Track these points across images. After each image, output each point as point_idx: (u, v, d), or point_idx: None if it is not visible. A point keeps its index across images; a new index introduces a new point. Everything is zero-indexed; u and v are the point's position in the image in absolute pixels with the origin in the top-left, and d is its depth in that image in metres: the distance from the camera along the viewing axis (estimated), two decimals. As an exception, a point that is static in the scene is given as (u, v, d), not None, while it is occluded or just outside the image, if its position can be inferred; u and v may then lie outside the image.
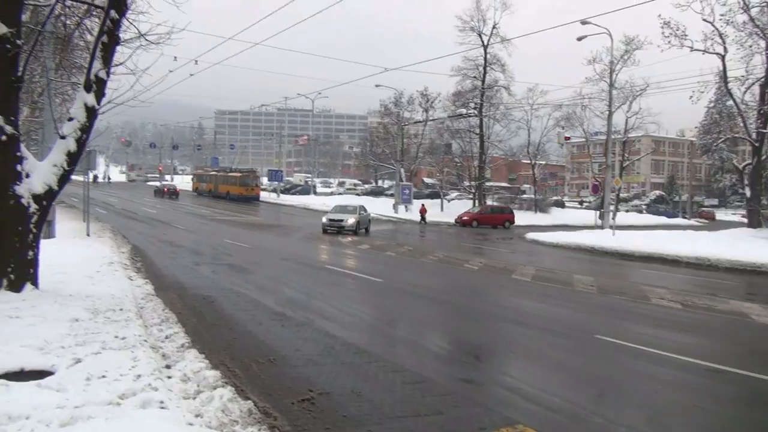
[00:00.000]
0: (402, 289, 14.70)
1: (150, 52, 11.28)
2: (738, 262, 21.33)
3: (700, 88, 34.01)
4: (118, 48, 10.06)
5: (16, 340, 6.37)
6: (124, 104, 11.59)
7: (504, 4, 50.21)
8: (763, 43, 31.53)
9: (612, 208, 37.94)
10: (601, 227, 35.26)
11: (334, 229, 29.60)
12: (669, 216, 63.71)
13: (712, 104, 59.04)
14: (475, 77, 52.47)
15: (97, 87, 9.47)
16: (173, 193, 62.00)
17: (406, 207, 50.64)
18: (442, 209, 51.32)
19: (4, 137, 8.34)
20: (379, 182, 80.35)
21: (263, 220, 39.16)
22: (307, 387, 6.55)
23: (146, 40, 10.57)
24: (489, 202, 51.76)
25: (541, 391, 6.89)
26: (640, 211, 69.01)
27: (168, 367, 6.45)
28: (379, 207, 50.96)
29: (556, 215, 53.35)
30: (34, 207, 8.86)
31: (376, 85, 51.57)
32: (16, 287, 8.52)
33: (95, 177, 29.36)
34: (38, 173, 9.06)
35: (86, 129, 9.51)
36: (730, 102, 37.51)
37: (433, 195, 59.24)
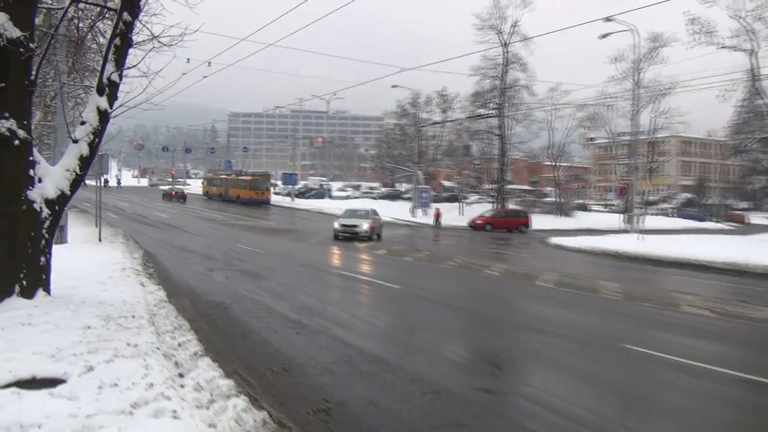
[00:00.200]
0: (420, 295, 14.67)
1: (163, 54, 11.41)
2: (772, 267, 20.97)
3: (729, 87, 33.59)
4: (131, 50, 10.18)
5: (28, 347, 6.46)
6: (137, 107, 11.69)
7: (524, 2, 49.98)
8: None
9: (639, 211, 37.52)
10: (628, 231, 34.92)
11: (348, 234, 28.93)
12: (698, 219, 62.87)
13: (741, 103, 58.19)
14: (494, 77, 52.28)
15: (110, 90, 9.59)
16: (181, 197, 63.05)
17: (423, 211, 50.59)
18: (461, 213, 51.18)
19: (17, 141, 8.46)
20: (396, 185, 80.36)
21: (277, 225, 39.36)
22: (323, 397, 6.55)
23: (159, 42, 10.66)
24: (510, 206, 51.48)
25: (566, 402, 6.82)
26: (668, 215, 68.15)
27: (181, 375, 6.49)
28: (396, 211, 50.97)
29: (579, 219, 52.88)
30: (46, 212, 8.97)
31: (393, 86, 51.49)
32: (28, 293, 8.64)
33: (106, 181, 29.81)
34: (51, 178, 9.18)
35: (99, 133, 9.63)
36: (761, 101, 36.94)
37: (452, 198, 59.11)
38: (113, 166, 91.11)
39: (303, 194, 71.93)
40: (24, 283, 8.63)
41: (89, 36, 16.03)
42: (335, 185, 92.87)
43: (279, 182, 73.13)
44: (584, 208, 63.20)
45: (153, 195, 68.34)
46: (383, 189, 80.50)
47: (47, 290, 9.07)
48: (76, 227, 23.84)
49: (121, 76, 9.88)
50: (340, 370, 7.67)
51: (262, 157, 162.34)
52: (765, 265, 21.21)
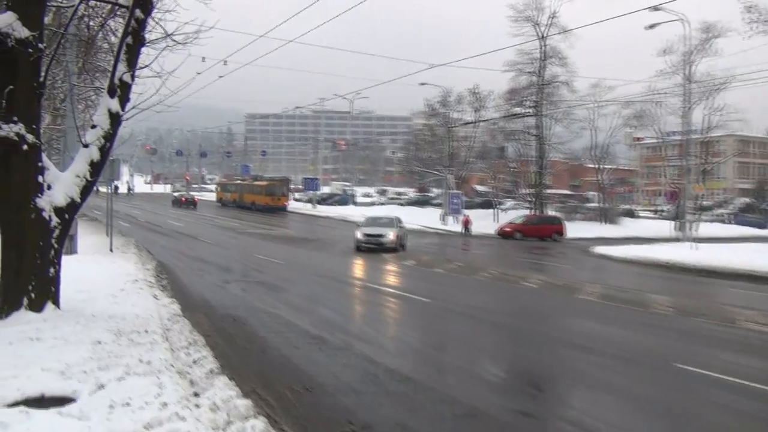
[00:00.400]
0: (451, 309, 14.61)
1: (177, 53, 11.62)
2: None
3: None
4: (144, 49, 10.39)
5: (37, 363, 6.60)
6: (150, 109, 11.93)
7: (562, -9, 49.66)
8: None
9: (691, 217, 36.89)
10: (679, 240, 34.33)
11: (372, 245, 27.98)
12: (758, 226, 61.40)
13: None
14: (531, 72, 51.93)
15: (122, 91, 9.77)
16: (191, 203, 64.48)
17: (455, 218, 50.41)
18: (495, 220, 50.85)
19: (25, 146, 8.65)
20: (429, 190, 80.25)
21: (297, 234, 39.61)
22: (347, 418, 6.56)
23: (173, 40, 10.88)
24: (549, 212, 51.03)
25: (611, 426, 6.73)
26: (725, 221, 66.78)
27: (196, 394, 6.56)
28: (426, 218, 50.86)
29: (626, 226, 52.11)
30: (55, 221, 9.15)
31: (421, 84, 51.43)
32: (37, 307, 8.82)
33: (116, 188, 30.47)
34: (60, 184, 9.36)
35: (110, 137, 9.82)
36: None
37: (486, 204, 58.74)
38: (125, 171, 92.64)
39: (325, 200, 72.32)
40: (32, 295, 8.81)
41: (100, 35, 16.41)
42: (359, 190, 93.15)
43: (300, 187, 73.73)
44: (631, 214, 62.26)
45: (167, 203, 69.31)
46: (411, 194, 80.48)
47: (56, 303, 9.25)
48: (86, 236, 24.30)
49: (133, 77, 10.08)
50: (366, 390, 7.67)
51: (282, 161, 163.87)
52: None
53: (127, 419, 5.32)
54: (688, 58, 40.53)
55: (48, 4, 10.30)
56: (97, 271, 15.18)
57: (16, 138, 8.53)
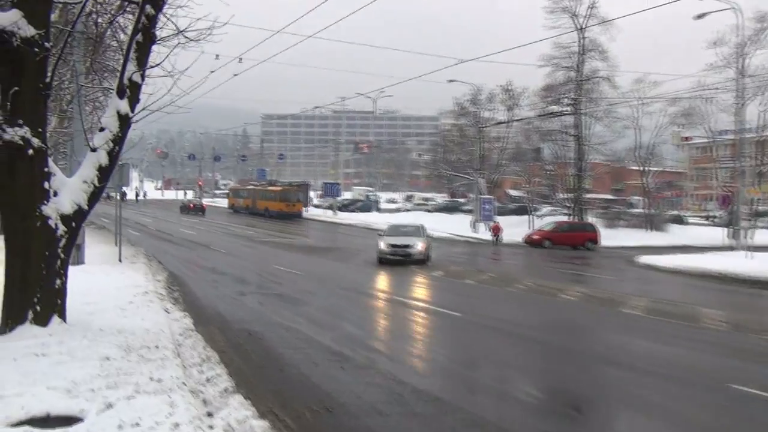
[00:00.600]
0: (484, 324, 14.54)
1: (189, 51, 11.72)
2: None
3: None
4: (155, 47, 10.52)
5: (42, 381, 6.69)
6: (160, 110, 12.04)
7: (603, -22, 49.26)
8: None
9: (746, 224, 36.24)
10: (733, 248, 33.75)
11: (398, 257, 26.62)
12: (822, 233, 60.23)
13: None
14: (568, 67, 51.53)
15: (131, 92, 9.90)
16: (199, 209, 65.94)
17: (486, 225, 50.20)
18: (530, 227, 50.49)
19: (31, 151, 8.79)
20: (457, 194, 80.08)
21: (317, 243, 39.76)
22: (371, 442, 6.54)
23: (185, 37, 10.97)
24: (589, 219, 50.54)
25: (660, 453, 6.62)
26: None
27: (209, 414, 6.60)
28: (455, 225, 50.73)
29: (674, 234, 51.41)
30: (62, 229, 9.28)
31: (450, 81, 51.36)
32: (42, 320, 8.94)
33: (123, 194, 30.91)
34: (67, 191, 9.49)
35: (119, 140, 9.95)
36: None
37: (521, 210, 58.40)
38: (134, 176, 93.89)
39: (346, 207, 72.52)
40: (38, 308, 8.94)
41: (109, 32, 16.65)
42: (383, 196, 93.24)
43: (313, 193, 74.18)
44: (679, 220, 61.39)
45: (177, 210, 70.16)
46: (439, 200, 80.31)
47: (63, 317, 9.37)
48: (94, 246, 24.66)
49: (143, 76, 10.21)
50: (391, 411, 7.65)
51: (300, 165, 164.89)
52: None
53: (136, 441, 5.37)
54: (741, 50, 39.96)
55: (54, 0, 10.48)
56: (105, 283, 15.39)
57: (21, 142, 8.66)
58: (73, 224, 9.52)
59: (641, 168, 57.13)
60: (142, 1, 9.47)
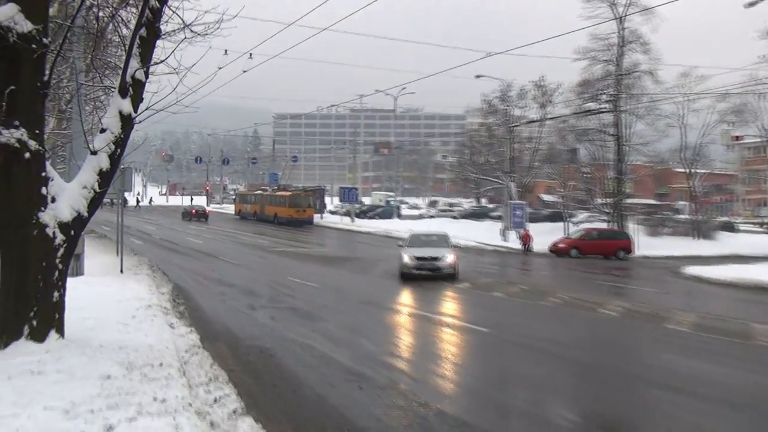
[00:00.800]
0: (515, 341, 14.47)
1: (196, 46, 11.79)
2: None
3: None
4: (159, 42, 10.60)
5: (38, 401, 6.75)
6: (165, 110, 12.12)
7: (645, -37, 48.89)
8: None
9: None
10: (790, 258, 33.29)
11: (426, 271, 25.10)
12: None
13: None
14: (607, 61, 51.20)
15: (134, 90, 9.98)
16: (202, 215, 67.70)
17: (517, 233, 50.01)
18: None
19: (27, 154, 8.86)
20: (482, 201, 79.94)
21: (333, 252, 39.86)
22: (392, 470, 6.52)
23: (192, 31, 11.04)
24: (630, 225, 50.13)
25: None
26: None
27: (217, 438, 6.61)
28: (483, 233, 50.62)
29: (724, 242, 50.86)
30: (60, 238, 9.34)
31: (477, 76, 51.36)
32: (39, 336, 9.00)
33: (124, 200, 31.08)
34: (65, 196, 9.56)
35: (121, 142, 10.02)
36: None
37: (555, 217, 58.07)
38: (137, 181, 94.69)
39: (365, 213, 72.60)
40: (34, 323, 9.00)
41: (110, 27, 16.82)
42: (405, 201, 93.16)
43: (329, 199, 74.53)
44: (730, 227, 60.72)
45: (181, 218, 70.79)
46: (466, 205, 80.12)
47: (61, 332, 9.43)
48: (94, 256, 24.90)
49: (147, 74, 10.29)
50: (414, 436, 7.62)
51: (315, 168, 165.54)
52: None
53: (139, 466, 5.39)
54: (798, 40, 39.49)
55: (53, -7, 10.60)
56: (106, 296, 15.50)
57: (17, 145, 8.73)
58: (72, 232, 9.56)
59: (687, 170, 56.56)
60: (146, -7, 9.55)
